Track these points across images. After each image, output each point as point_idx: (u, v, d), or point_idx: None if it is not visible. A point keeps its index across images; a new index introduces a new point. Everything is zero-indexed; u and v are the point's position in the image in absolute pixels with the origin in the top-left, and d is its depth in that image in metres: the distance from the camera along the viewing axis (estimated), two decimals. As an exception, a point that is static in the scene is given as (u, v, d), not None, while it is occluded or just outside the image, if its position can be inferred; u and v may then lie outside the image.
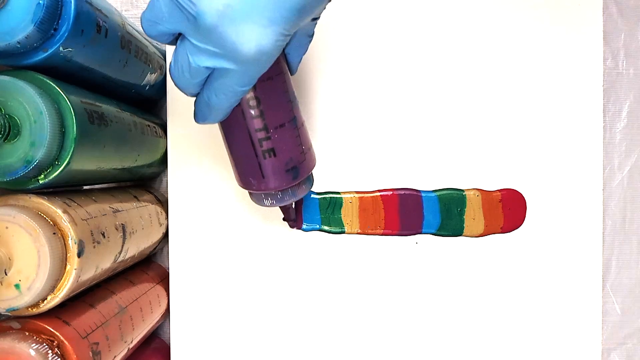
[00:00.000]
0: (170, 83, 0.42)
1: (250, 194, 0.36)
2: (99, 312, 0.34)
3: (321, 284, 0.43)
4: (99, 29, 0.32)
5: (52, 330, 0.29)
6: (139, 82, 0.40)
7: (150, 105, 0.47)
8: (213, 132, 0.41)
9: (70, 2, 0.29)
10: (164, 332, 0.47)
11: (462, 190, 0.43)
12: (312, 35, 0.32)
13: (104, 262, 0.33)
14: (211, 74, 0.28)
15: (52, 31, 0.29)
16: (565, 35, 0.43)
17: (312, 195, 0.43)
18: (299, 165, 0.33)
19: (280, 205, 0.35)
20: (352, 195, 0.43)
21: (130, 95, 0.40)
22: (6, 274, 0.28)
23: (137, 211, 0.39)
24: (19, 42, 0.28)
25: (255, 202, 0.36)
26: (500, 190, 0.43)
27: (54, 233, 0.29)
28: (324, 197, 0.43)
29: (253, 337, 0.43)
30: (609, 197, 0.45)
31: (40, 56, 0.29)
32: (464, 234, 0.43)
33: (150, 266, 0.45)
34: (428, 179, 0.43)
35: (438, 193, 0.43)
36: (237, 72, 0.27)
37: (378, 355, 0.43)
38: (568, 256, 0.43)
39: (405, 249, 0.43)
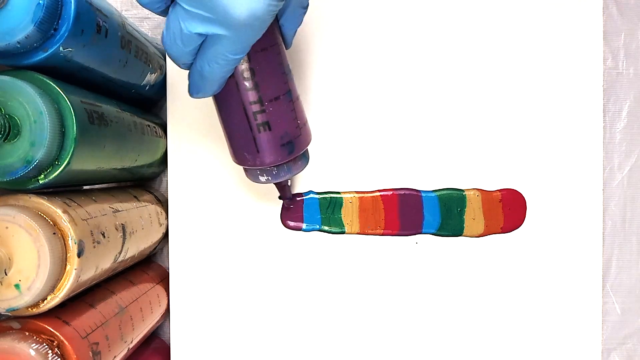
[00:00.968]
0: (170, 83, 0.42)
1: (245, 170, 0.35)
2: (99, 312, 0.34)
3: (321, 284, 0.43)
4: (99, 29, 0.32)
5: (52, 330, 0.29)
6: (139, 82, 0.40)
7: (150, 105, 0.47)
8: (213, 132, 0.41)
9: (70, 2, 0.29)
10: (164, 332, 0.47)
11: (462, 190, 0.43)
12: (306, 7, 0.31)
13: (104, 262, 0.33)
14: (204, 42, 0.28)
15: (52, 31, 0.29)
16: (565, 35, 0.43)
17: (312, 195, 0.43)
18: (294, 140, 0.33)
19: (276, 182, 0.35)
20: (352, 195, 0.43)
21: (130, 95, 0.40)
22: (6, 274, 0.28)
23: (137, 211, 0.39)
24: (19, 42, 0.28)
25: (251, 179, 0.35)
26: (500, 190, 0.43)
27: (54, 233, 0.29)
28: (324, 197, 0.43)
29: (253, 337, 0.43)
30: (609, 197, 0.45)
31: (40, 56, 0.29)
32: (464, 234, 0.43)
33: (150, 266, 0.45)
34: (428, 179, 0.43)
35: (438, 193, 0.43)
36: (230, 39, 0.27)
37: (378, 355, 0.43)
38: (568, 256, 0.43)
39: (405, 249, 0.43)
